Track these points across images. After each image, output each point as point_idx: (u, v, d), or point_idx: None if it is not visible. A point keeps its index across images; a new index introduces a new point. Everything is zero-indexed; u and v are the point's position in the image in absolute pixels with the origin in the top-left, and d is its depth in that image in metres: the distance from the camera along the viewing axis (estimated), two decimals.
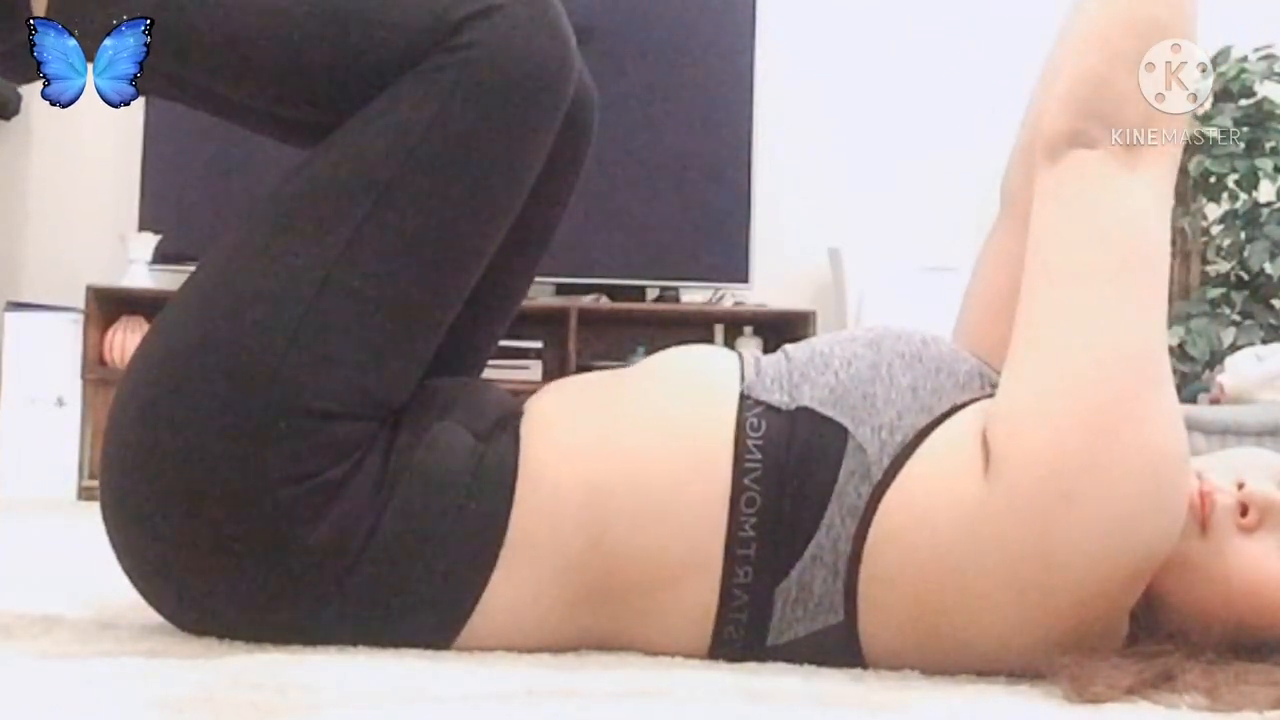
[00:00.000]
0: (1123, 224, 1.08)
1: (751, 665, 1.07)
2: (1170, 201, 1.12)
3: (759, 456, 1.08)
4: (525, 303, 1.41)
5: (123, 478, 1.10)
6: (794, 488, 1.06)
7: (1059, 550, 1.00)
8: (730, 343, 3.91)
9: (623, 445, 1.10)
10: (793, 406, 1.10)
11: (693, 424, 1.10)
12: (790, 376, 1.12)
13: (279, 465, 1.06)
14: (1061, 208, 1.09)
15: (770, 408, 1.10)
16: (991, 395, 1.10)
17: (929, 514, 1.04)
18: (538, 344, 3.65)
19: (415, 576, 1.07)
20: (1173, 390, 1.06)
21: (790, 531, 1.06)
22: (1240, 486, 1.08)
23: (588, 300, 3.77)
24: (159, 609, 1.15)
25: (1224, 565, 1.05)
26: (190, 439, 1.07)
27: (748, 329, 3.94)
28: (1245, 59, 3.82)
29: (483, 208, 1.16)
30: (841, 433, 1.07)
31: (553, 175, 1.24)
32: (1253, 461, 1.11)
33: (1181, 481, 1.03)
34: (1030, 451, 1.02)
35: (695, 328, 3.90)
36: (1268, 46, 3.85)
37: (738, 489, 1.07)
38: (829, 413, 1.09)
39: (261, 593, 1.08)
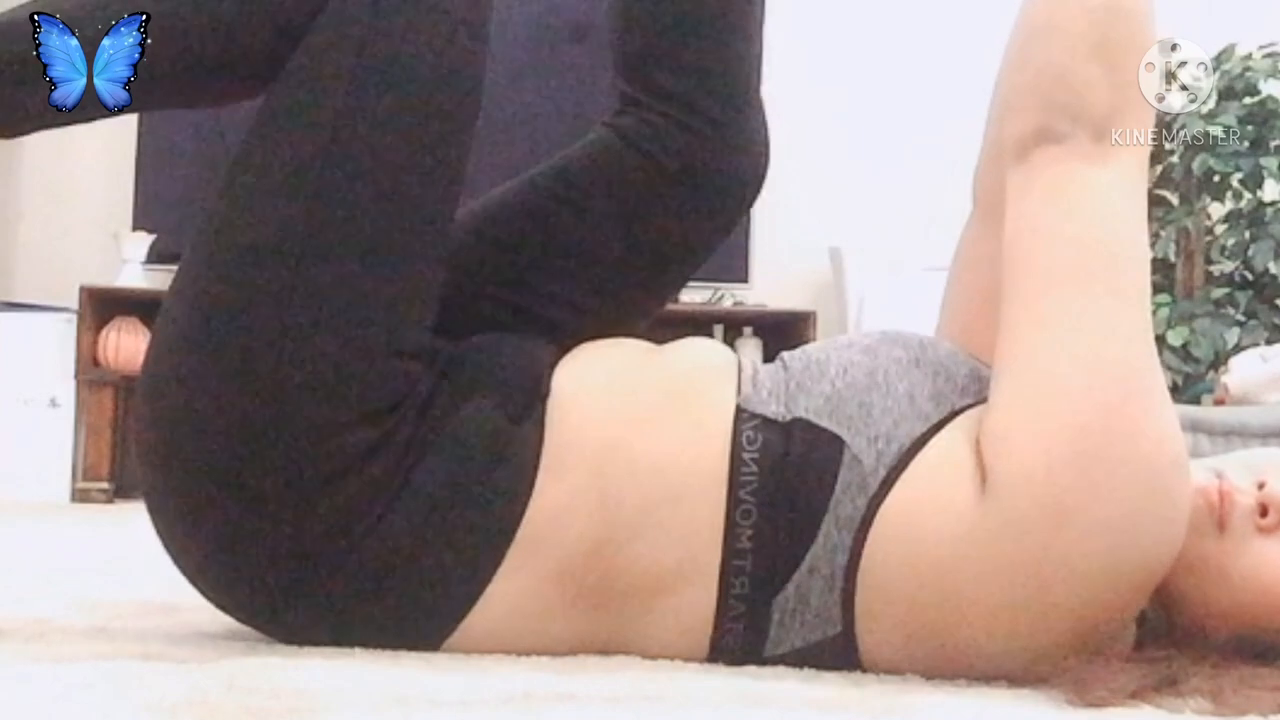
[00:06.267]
0: (1095, 224, 1.05)
1: (751, 669, 1.06)
2: (1144, 192, 1.09)
3: (755, 470, 1.06)
4: None
5: (164, 403, 1.08)
6: (790, 500, 1.05)
7: (1055, 570, 0.99)
8: (730, 343, 3.88)
9: (630, 452, 1.08)
10: (788, 418, 1.08)
11: (690, 437, 1.08)
12: (786, 387, 1.11)
13: (314, 410, 1.04)
14: (1033, 210, 1.07)
15: (766, 420, 1.09)
16: None
17: (925, 527, 1.02)
18: None
19: (416, 567, 1.06)
20: (1164, 392, 1.04)
21: (787, 544, 1.05)
22: (1261, 486, 1.06)
23: None
24: (181, 568, 1.13)
25: (1241, 566, 1.04)
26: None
27: (747, 329, 3.93)
28: (1249, 57, 3.81)
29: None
30: (838, 444, 1.06)
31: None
32: (1274, 461, 1.09)
33: (1178, 490, 1.01)
34: (1021, 472, 1.00)
35: (695, 328, 3.87)
36: (1272, 44, 3.85)
37: (733, 502, 1.06)
38: (825, 424, 1.07)
39: (258, 551, 1.06)
